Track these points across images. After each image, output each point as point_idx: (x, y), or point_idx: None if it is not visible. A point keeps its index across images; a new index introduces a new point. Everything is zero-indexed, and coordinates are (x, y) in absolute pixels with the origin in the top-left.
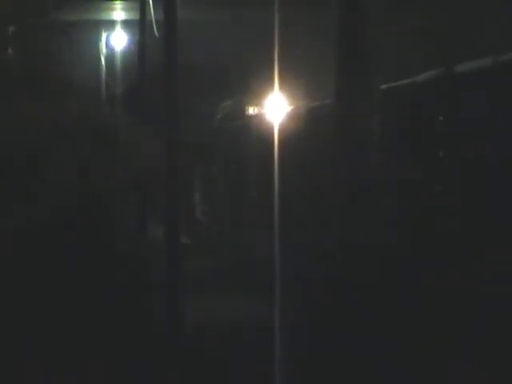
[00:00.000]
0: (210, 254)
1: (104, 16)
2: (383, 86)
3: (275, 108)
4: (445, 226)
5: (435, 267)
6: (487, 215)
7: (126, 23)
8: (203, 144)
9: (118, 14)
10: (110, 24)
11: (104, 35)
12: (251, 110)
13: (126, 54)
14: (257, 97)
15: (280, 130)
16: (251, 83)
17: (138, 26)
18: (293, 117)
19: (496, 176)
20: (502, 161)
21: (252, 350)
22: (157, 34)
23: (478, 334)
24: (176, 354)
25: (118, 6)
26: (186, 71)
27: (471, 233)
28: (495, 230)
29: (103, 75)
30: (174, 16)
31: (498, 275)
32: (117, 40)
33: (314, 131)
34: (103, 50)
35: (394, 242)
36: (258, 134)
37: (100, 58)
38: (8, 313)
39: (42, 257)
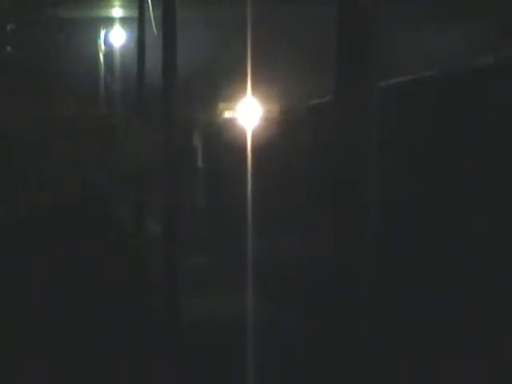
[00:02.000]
0: (198, 248)
1: (103, 13)
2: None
3: (250, 111)
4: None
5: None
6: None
7: (124, 20)
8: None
9: (117, 11)
10: (109, 21)
11: (103, 32)
12: (227, 114)
13: (125, 51)
14: (233, 100)
15: (254, 133)
16: (227, 87)
17: (137, 24)
18: (267, 120)
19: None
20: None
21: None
22: (155, 32)
23: None
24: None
25: (117, 3)
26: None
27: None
28: None
29: (102, 72)
30: (173, 13)
31: None
32: (115, 37)
33: (287, 134)
34: (102, 47)
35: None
36: (234, 137)
37: (98, 55)
38: (6, 311)
39: (39, 253)
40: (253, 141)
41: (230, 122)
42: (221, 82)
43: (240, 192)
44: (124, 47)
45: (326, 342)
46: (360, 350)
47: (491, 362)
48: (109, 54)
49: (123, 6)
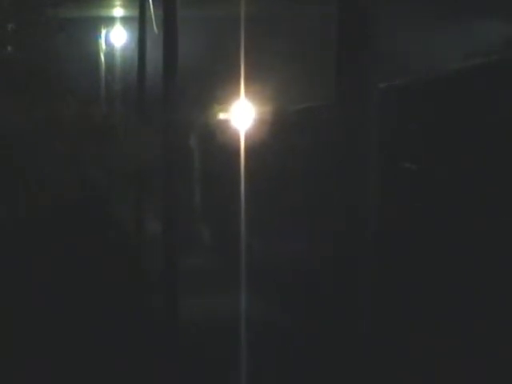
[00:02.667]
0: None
1: (103, 13)
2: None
3: (244, 113)
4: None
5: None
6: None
7: (125, 20)
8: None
9: (118, 10)
10: (110, 21)
11: (103, 32)
12: (222, 116)
13: (125, 50)
14: (227, 102)
15: (248, 134)
16: (221, 88)
17: (138, 23)
18: (260, 122)
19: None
20: None
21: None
22: (156, 31)
23: None
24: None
25: (118, 2)
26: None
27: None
28: None
29: (102, 72)
30: (174, 12)
31: None
32: (116, 37)
33: (281, 135)
34: (102, 46)
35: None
36: (228, 138)
37: (99, 55)
38: (6, 311)
39: (39, 253)
40: (247, 142)
41: (225, 123)
42: (215, 84)
43: (236, 192)
44: (125, 47)
45: (326, 343)
46: (360, 349)
47: (491, 361)
48: (109, 53)
49: (124, 6)
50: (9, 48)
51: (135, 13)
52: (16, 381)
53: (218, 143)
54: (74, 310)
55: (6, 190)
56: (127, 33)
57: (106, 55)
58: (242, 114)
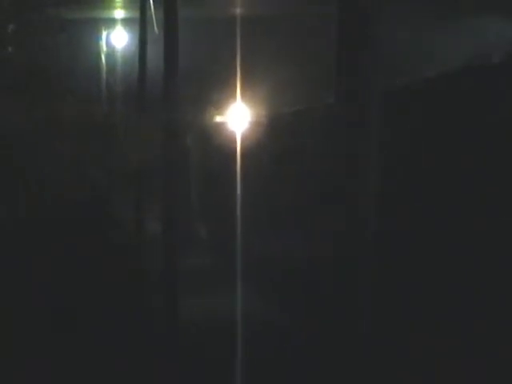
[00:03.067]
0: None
1: (104, 14)
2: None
3: (240, 116)
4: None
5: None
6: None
7: (126, 21)
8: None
9: (118, 12)
10: (111, 22)
11: (104, 33)
12: (218, 118)
13: (126, 52)
14: (223, 104)
15: (243, 137)
16: (218, 91)
17: (138, 24)
18: (255, 125)
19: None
20: None
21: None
22: (157, 32)
23: None
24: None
25: (118, 3)
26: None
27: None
28: None
29: (103, 73)
30: (175, 13)
31: None
32: (117, 38)
33: (278, 135)
34: (103, 47)
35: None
36: (222, 141)
37: (100, 56)
38: (6, 311)
39: (39, 253)
40: (243, 144)
41: (221, 125)
42: (212, 86)
43: (234, 193)
44: (125, 48)
45: (326, 342)
46: (360, 349)
47: (491, 362)
48: (110, 54)
49: (125, 7)
50: (9, 48)
51: (136, 14)
52: (16, 381)
53: (215, 144)
54: (74, 310)
55: (6, 190)
56: (128, 34)
57: (106, 56)
58: (239, 116)
